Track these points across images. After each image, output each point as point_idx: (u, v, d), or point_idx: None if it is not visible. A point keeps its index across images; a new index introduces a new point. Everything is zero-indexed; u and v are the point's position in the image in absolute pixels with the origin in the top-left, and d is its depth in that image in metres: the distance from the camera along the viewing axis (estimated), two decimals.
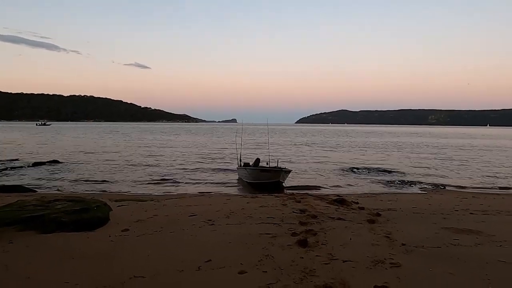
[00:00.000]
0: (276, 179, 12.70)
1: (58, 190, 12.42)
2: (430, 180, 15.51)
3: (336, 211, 7.49)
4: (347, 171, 18.23)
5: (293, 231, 5.53)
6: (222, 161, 22.53)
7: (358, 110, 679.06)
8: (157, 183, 14.27)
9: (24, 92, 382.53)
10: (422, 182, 14.77)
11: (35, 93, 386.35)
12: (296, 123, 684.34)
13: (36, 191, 11.68)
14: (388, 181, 14.99)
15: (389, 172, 17.88)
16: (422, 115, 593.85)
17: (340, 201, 8.67)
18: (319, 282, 3.56)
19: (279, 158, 16.21)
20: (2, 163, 18.91)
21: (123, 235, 5.43)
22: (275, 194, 10.70)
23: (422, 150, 33.70)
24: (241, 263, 4.09)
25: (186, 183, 14.41)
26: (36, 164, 18.68)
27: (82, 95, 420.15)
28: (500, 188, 13.99)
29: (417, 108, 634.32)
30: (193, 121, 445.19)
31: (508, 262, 4.20)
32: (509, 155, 29.30)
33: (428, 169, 19.34)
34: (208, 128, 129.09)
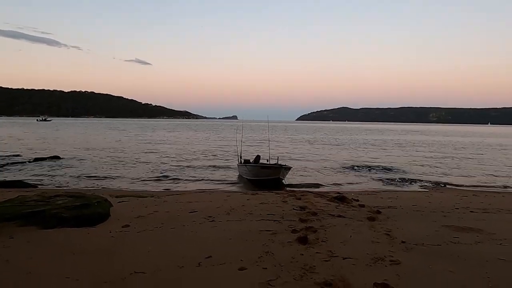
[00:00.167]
0: (276, 176, 12.70)
1: (59, 185, 12.45)
2: (430, 178, 15.51)
3: (336, 208, 7.49)
4: (347, 168, 18.23)
5: (293, 228, 5.54)
6: (222, 158, 22.53)
7: (359, 108, 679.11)
8: (158, 179, 14.27)
9: (25, 88, 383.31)
10: (422, 180, 14.76)
11: (36, 88, 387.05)
12: (296, 120, 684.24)
13: (37, 187, 11.71)
14: (388, 179, 14.98)
15: (390, 169, 17.87)
16: (423, 113, 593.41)
17: (340, 198, 8.68)
18: (319, 279, 3.57)
19: (280, 155, 16.21)
20: (3, 159, 18.94)
21: (124, 231, 5.44)
22: (276, 191, 10.71)
23: (423, 148, 33.67)
24: (241, 260, 4.10)
25: (186, 179, 14.41)
26: (37, 160, 18.71)
27: (83, 91, 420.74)
28: (501, 186, 13.99)
29: (418, 106, 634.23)
30: (193, 118, 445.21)
31: (508, 260, 4.20)
32: (509, 154, 29.27)
33: (428, 167, 19.33)
34: (209, 125, 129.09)
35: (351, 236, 5.14)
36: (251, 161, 14.92)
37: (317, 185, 13.24)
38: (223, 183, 13.77)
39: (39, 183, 12.71)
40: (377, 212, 6.99)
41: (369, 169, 17.88)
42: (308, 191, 10.66)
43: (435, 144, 39.61)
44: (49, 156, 20.18)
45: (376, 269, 3.88)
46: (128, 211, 6.90)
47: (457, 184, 14.21)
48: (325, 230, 5.46)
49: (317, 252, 4.38)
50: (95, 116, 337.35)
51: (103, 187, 12.23)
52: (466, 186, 13.83)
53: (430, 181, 14.50)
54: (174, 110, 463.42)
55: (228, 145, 31.14)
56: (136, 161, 19.72)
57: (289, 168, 13.40)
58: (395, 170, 17.65)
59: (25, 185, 11.59)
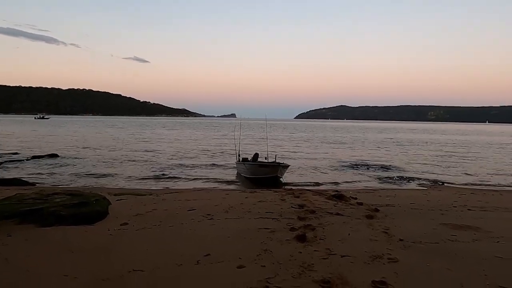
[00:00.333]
0: (274, 174, 12.73)
1: (57, 183, 12.42)
2: (428, 176, 15.56)
3: (335, 206, 7.50)
4: (345, 166, 18.26)
5: (291, 226, 5.55)
6: (221, 156, 22.54)
7: (357, 106, 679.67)
8: (156, 178, 14.27)
9: (23, 85, 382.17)
10: (420, 178, 14.81)
11: (34, 86, 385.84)
12: (295, 118, 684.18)
13: (34, 185, 11.69)
14: (386, 177, 15.03)
15: (388, 168, 17.92)
16: (422, 111, 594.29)
17: (338, 196, 8.69)
18: (317, 277, 3.58)
19: (278, 153, 16.22)
20: (0, 156, 18.89)
21: (122, 229, 5.44)
22: (274, 189, 10.72)
23: (421, 146, 33.75)
24: (239, 258, 4.10)
25: (185, 178, 14.41)
26: (35, 158, 18.67)
27: (81, 88, 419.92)
28: (499, 185, 14.04)
29: (417, 104, 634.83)
30: (192, 116, 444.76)
31: (505, 258, 4.22)
32: (508, 152, 29.37)
33: (426, 165, 19.39)
34: (207, 123, 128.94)
35: (349, 234, 5.15)
36: (249, 159, 14.93)
37: (316, 183, 13.27)
38: (221, 181, 13.78)
39: (37, 181, 12.70)
40: (375, 210, 7.00)
41: (367, 167, 17.92)
42: (306, 189, 10.66)
43: (433, 143, 39.71)
44: (47, 154, 20.15)
45: (374, 267, 3.89)
46: (127, 209, 6.89)
47: (455, 182, 14.26)
48: (323, 228, 5.47)
49: (315, 250, 4.39)
50: (93, 114, 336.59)
51: (101, 185, 12.21)
52: (464, 184, 13.88)
53: (428, 179, 14.55)
54: (172, 108, 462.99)
55: (226, 143, 31.15)
56: (135, 159, 19.70)
57: (286, 166, 13.43)
58: (393, 168, 17.70)
59: (23, 183, 11.57)
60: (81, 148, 25.37)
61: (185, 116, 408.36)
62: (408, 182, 14.14)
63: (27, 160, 18.07)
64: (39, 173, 14.55)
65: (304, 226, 5.51)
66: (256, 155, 14.83)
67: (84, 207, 5.95)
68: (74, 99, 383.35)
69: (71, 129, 57.50)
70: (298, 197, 8.74)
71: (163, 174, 14.90)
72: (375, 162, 19.82)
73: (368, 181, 14.26)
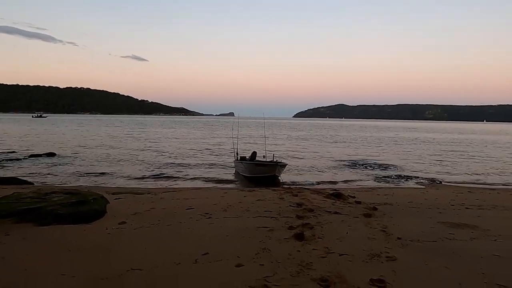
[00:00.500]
0: (272, 173, 12.73)
1: (54, 182, 12.39)
2: (426, 174, 15.60)
3: (333, 205, 7.51)
4: (344, 165, 18.29)
5: (290, 225, 5.55)
6: (219, 154, 22.53)
7: (355, 105, 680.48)
8: (154, 176, 14.24)
9: (20, 84, 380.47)
10: (418, 177, 14.85)
11: (31, 84, 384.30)
12: (293, 117, 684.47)
13: (32, 183, 11.65)
14: (384, 176, 15.06)
15: (386, 166, 17.96)
16: (419, 110, 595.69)
17: (336, 195, 8.70)
18: (315, 275, 3.58)
19: (276, 152, 16.24)
20: None
21: (120, 228, 5.43)
22: (272, 188, 10.72)
23: (419, 145, 33.83)
24: (238, 256, 4.10)
25: (183, 176, 14.40)
26: (32, 156, 18.62)
27: (79, 87, 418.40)
28: (496, 183, 14.10)
29: (415, 103, 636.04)
30: (190, 115, 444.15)
31: (502, 256, 4.24)
32: (505, 151, 29.48)
33: (424, 164, 19.44)
34: (205, 122, 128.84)
35: (347, 233, 5.16)
36: (247, 157, 14.93)
37: (314, 182, 13.28)
38: (220, 180, 13.77)
39: (34, 180, 12.65)
40: (373, 209, 7.02)
41: (365, 166, 17.95)
42: (304, 188, 10.67)
43: (431, 141, 39.80)
44: (44, 152, 20.07)
45: (372, 265, 3.90)
46: (125, 208, 6.88)
47: (452, 180, 14.31)
48: (322, 227, 5.47)
49: (313, 249, 4.39)
50: (91, 113, 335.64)
51: (99, 184, 12.18)
52: (462, 182, 13.92)
53: (426, 178, 14.58)
54: (170, 106, 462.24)
55: (225, 142, 31.15)
56: (133, 158, 19.67)
57: (284, 165, 13.43)
58: (391, 167, 17.73)
59: (21, 182, 11.52)
60: (78, 147, 25.30)
61: (183, 115, 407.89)
62: (406, 180, 14.17)
63: (24, 158, 18.01)
64: (36, 172, 14.50)
65: (303, 225, 5.51)
66: (254, 154, 14.83)
67: (82, 206, 5.94)
68: (72, 97, 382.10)
69: (68, 128, 57.34)
70: (296, 195, 8.75)
71: (161, 173, 14.88)
72: (373, 161, 19.86)
73: (366, 179, 14.28)
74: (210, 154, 22.98)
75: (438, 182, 13.86)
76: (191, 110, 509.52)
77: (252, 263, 3.92)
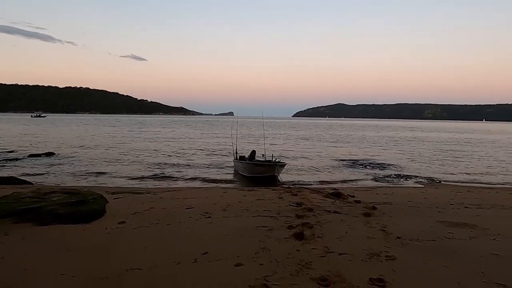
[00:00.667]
0: (271, 173, 12.74)
1: (54, 182, 12.37)
2: (425, 174, 15.61)
3: (332, 204, 7.52)
4: (343, 164, 18.30)
5: (289, 224, 5.55)
6: (218, 154, 22.52)
7: (355, 104, 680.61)
8: (154, 176, 14.22)
9: (19, 84, 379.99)
10: (417, 176, 14.86)
11: (30, 84, 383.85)
12: (293, 116, 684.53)
13: (31, 183, 11.63)
14: (384, 175, 15.07)
15: (385, 166, 17.97)
16: (419, 110, 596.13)
17: (336, 194, 8.71)
18: (315, 274, 3.59)
19: (275, 152, 16.24)
20: None
21: (120, 228, 5.43)
22: (272, 187, 10.73)
23: (418, 144, 33.86)
24: (237, 256, 4.11)
25: (182, 176, 14.38)
26: (31, 156, 18.60)
27: (78, 87, 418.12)
28: (495, 182, 14.12)
29: (414, 103, 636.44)
30: (189, 114, 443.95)
31: (501, 255, 4.25)
32: (504, 150, 29.51)
33: (423, 163, 19.45)
34: (205, 121, 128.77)
35: (347, 232, 5.17)
36: (246, 156, 14.93)
37: (313, 181, 13.28)
38: (219, 180, 13.76)
39: (33, 179, 12.62)
40: (373, 208, 7.03)
41: (365, 165, 17.96)
42: (304, 187, 10.68)
43: (430, 141, 39.84)
44: (44, 152, 20.05)
45: (372, 264, 3.91)
46: (124, 208, 6.88)
47: (451, 180, 14.32)
48: (321, 226, 5.48)
49: (313, 248, 4.40)
50: (91, 113, 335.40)
51: (98, 184, 12.17)
52: (461, 182, 13.95)
53: (425, 177, 14.60)
54: (170, 106, 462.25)
55: (224, 141, 31.13)
56: (132, 158, 19.65)
57: (283, 165, 13.43)
58: (390, 166, 17.75)
59: (20, 182, 11.50)
60: (78, 147, 25.27)
61: (182, 115, 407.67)
62: (405, 180, 14.18)
63: (23, 158, 17.99)
64: (36, 171, 14.48)
65: (302, 224, 5.52)
66: (253, 153, 14.83)
67: (81, 206, 5.93)
68: (71, 97, 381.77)
69: (68, 128, 57.27)
70: (296, 195, 8.75)
71: (161, 173, 14.86)
72: (373, 160, 19.87)
73: (366, 179, 14.28)
74: (209, 153, 22.97)
75: (437, 181, 13.87)
76: (191, 109, 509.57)
77: (251, 263, 3.92)
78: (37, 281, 3.47)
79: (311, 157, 21.76)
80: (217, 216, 6.23)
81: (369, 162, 19.17)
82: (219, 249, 4.35)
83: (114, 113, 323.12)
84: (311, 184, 12.50)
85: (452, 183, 13.46)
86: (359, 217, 6.28)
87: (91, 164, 16.79)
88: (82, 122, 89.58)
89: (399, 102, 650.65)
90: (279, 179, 13.04)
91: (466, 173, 16.38)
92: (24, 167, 15.56)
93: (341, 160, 19.95)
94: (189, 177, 14.16)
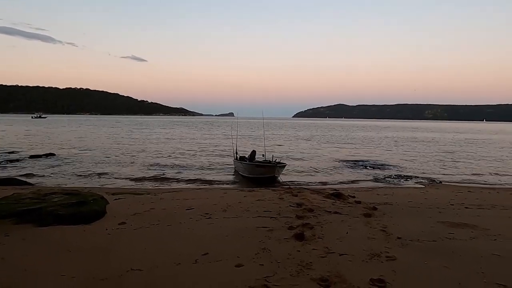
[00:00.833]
0: (271, 174, 12.74)
1: (54, 183, 12.38)
2: (426, 174, 15.59)
3: (333, 205, 7.52)
4: (343, 165, 18.29)
5: (289, 225, 5.55)
6: (219, 154, 22.53)
7: (355, 105, 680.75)
8: (154, 177, 14.20)
9: (20, 85, 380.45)
10: (418, 177, 14.84)
11: (31, 85, 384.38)
12: (293, 117, 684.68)
13: (32, 184, 11.64)
14: (384, 175, 15.05)
15: (386, 166, 17.96)
16: (419, 110, 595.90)
17: (336, 195, 8.71)
18: (315, 275, 3.58)
19: (275, 152, 16.23)
20: None
21: (120, 228, 5.43)
22: (272, 188, 10.74)
23: (418, 145, 33.84)
24: (238, 256, 4.10)
25: (183, 176, 14.37)
26: (32, 157, 18.60)
27: (78, 88, 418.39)
28: (495, 182, 14.11)
29: (414, 103, 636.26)
30: (190, 115, 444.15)
31: (502, 256, 4.24)
32: (505, 150, 29.49)
33: (424, 164, 19.44)
34: (205, 122, 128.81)
35: (347, 233, 5.16)
36: (246, 157, 14.93)
37: (314, 182, 13.28)
38: (219, 180, 13.76)
39: (34, 180, 12.64)
40: (373, 209, 7.02)
41: (365, 166, 17.95)
42: (304, 188, 10.68)
43: (431, 141, 39.82)
44: (44, 153, 20.06)
45: (372, 265, 3.90)
46: (125, 209, 6.88)
47: (452, 180, 14.31)
48: (322, 227, 5.48)
49: (313, 249, 4.39)
50: (91, 113, 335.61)
51: (99, 185, 12.17)
52: (461, 182, 13.93)
53: (425, 178, 14.58)
54: (170, 107, 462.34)
55: (224, 142, 31.12)
56: (132, 159, 19.65)
57: (284, 166, 13.43)
58: (391, 167, 17.73)
59: (20, 183, 11.51)
60: (78, 148, 25.28)
61: (183, 115, 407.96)
62: (406, 180, 14.17)
63: (24, 159, 18.00)
64: (36, 172, 14.47)
65: (302, 225, 5.52)
66: (253, 153, 14.82)
67: (82, 207, 5.94)
68: (72, 98, 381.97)
69: (68, 129, 57.30)
70: (296, 195, 8.75)
71: (161, 174, 14.86)
72: (373, 161, 19.85)
73: (366, 179, 14.27)
74: (209, 154, 22.97)
75: (438, 181, 13.85)
76: (191, 110, 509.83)
77: (252, 263, 3.92)
78: (37, 282, 3.47)
79: (311, 157, 21.75)
80: (217, 216, 6.23)
81: (369, 162, 19.15)
82: (220, 250, 4.35)
83: (114, 114, 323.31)
84: (312, 185, 12.49)
85: (453, 184, 13.45)
86: (360, 217, 6.27)
87: (91, 165, 16.79)
88: (82, 123, 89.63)
89: (399, 103, 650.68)
90: (280, 179, 13.04)
91: (466, 174, 16.36)
92: (24, 168, 15.57)
93: (342, 160, 19.94)
94: (189, 178, 14.15)
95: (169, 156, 21.41)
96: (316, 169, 16.95)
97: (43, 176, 13.83)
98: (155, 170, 15.79)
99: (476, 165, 19.33)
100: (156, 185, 12.50)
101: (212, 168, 16.72)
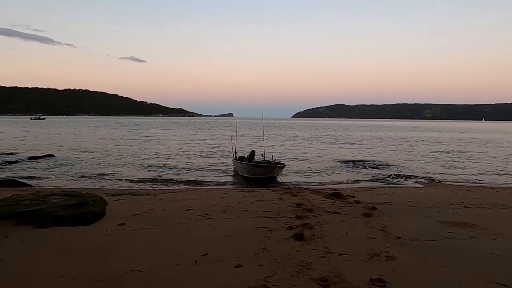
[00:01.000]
0: (270, 174, 12.74)
1: (54, 184, 12.36)
2: (425, 174, 15.61)
3: (332, 205, 7.52)
4: (343, 165, 18.29)
5: (289, 225, 5.55)
6: (218, 155, 22.51)
7: (354, 105, 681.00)
8: (153, 177, 14.20)
9: (18, 86, 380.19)
10: (417, 176, 14.87)
11: (30, 86, 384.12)
12: (292, 117, 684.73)
13: (31, 186, 11.62)
14: (384, 175, 15.06)
15: (385, 166, 17.97)
16: (418, 110, 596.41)
17: (336, 195, 8.71)
18: (315, 275, 3.58)
19: (275, 152, 16.23)
20: None
21: (120, 230, 5.42)
22: (272, 188, 10.74)
23: (418, 144, 33.86)
24: (237, 257, 4.10)
25: (182, 177, 14.37)
26: (31, 158, 18.58)
27: (78, 89, 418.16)
28: (495, 182, 14.13)
29: (413, 103, 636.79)
30: (189, 115, 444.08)
31: (501, 255, 4.25)
32: (504, 149, 29.53)
33: (423, 163, 19.46)
34: (204, 122, 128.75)
35: (347, 233, 5.16)
36: (245, 157, 14.93)
37: (313, 182, 13.28)
38: (219, 181, 13.76)
39: (33, 182, 12.62)
40: (373, 208, 7.02)
41: (364, 166, 17.96)
42: (304, 188, 10.68)
43: (430, 141, 39.85)
44: (43, 154, 20.05)
45: (372, 264, 3.90)
46: (124, 210, 6.88)
47: (451, 180, 14.33)
48: (321, 227, 5.48)
49: (313, 249, 4.39)
50: (90, 114, 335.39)
51: (98, 186, 12.16)
52: (461, 181, 13.95)
53: (425, 177, 14.60)
54: (169, 107, 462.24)
55: (223, 142, 31.11)
56: (132, 160, 19.64)
57: (283, 166, 13.43)
58: (390, 167, 17.75)
59: (20, 184, 11.51)
60: (77, 149, 25.25)
61: (182, 116, 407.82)
62: (405, 180, 14.18)
63: (23, 161, 17.97)
64: (35, 174, 14.46)
65: (302, 225, 5.52)
66: (252, 153, 14.82)
67: (81, 208, 5.93)
68: (71, 99, 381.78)
69: (67, 130, 57.24)
70: (295, 196, 8.75)
71: (161, 174, 14.85)
72: (372, 160, 19.86)
73: (365, 179, 14.27)
74: (209, 154, 22.96)
75: (437, 181, 13.87)
76: (190, 111, 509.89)
77: (251, 264, 3.92)
78: (36, 283, 3.46)
79: (310, 157, 21.76)
80: (217, 217, 6.23)
81: (368, 162, 19.16)
82: (219, 250, 4.35)
83: (113, 115, 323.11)
84: (311, 185, 12.49)
85: (452, 183, 13.47)
86: (359, 217, 6.28)
87: (91, 166, 16.78)
88: (81, 124, 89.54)
89: (398, 102, 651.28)
90: (279, 179, 13.04)
91: (466, 173, 16.38)
92: (23, 169, 15.56)
93: (341, 160, 19.94)
94: (189, 178, 14.14)
95: (169, 156, 21.40)
96: (315, 169, 16.95)
97: (42, 177, 13.81)
98: (155, 171, 15.78)
99: (475, 165, 19.35)
100: (155, 186, 12.49)
101: (212, 169, 16.71)
